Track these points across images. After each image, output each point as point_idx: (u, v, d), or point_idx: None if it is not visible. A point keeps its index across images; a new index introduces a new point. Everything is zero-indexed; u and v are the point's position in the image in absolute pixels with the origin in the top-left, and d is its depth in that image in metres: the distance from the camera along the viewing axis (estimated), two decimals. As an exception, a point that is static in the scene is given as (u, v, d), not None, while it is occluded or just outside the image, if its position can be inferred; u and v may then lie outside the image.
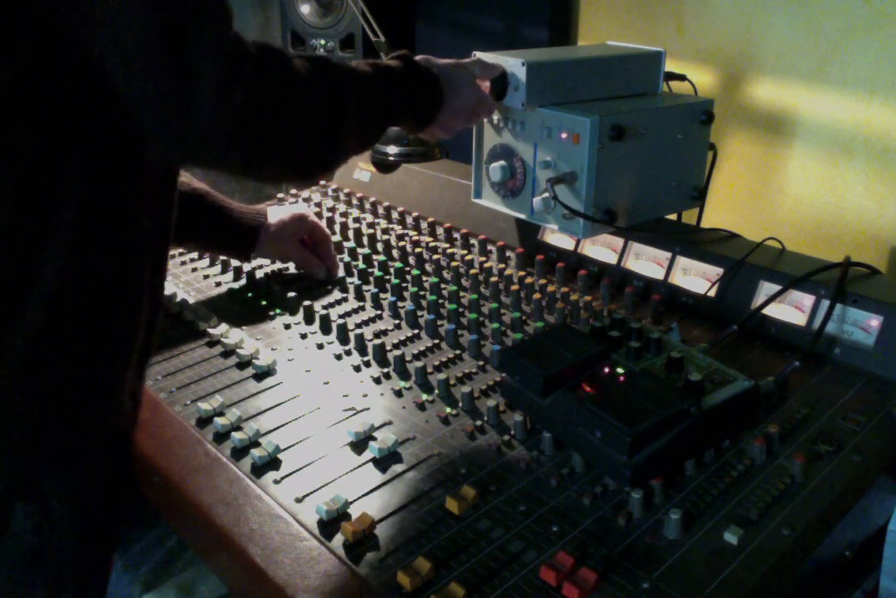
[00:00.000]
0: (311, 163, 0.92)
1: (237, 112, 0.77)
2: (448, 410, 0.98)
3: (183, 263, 1.42)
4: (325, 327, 1.18)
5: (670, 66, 1.39)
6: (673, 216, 1.39)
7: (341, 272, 1.35)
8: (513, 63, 1.18)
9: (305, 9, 1.95)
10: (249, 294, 1.30)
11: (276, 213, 1.32)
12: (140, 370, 0.95)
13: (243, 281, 1.35)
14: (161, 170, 0.89)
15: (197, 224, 1.25)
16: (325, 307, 1.24)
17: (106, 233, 0.83)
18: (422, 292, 1.27)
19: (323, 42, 1.95)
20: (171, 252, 1.41)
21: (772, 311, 1.12)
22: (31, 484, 0.86)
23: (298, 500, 0.84)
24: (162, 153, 0.83)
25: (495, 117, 1.28)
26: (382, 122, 1.02)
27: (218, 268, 1.39)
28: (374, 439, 0.92)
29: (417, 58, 1.10)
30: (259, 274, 1.36)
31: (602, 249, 1.32)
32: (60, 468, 0.87)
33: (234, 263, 1.37)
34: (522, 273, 1.32)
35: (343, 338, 1.15)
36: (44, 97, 0.76)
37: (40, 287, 0.79)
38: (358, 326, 1.19)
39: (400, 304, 1.23)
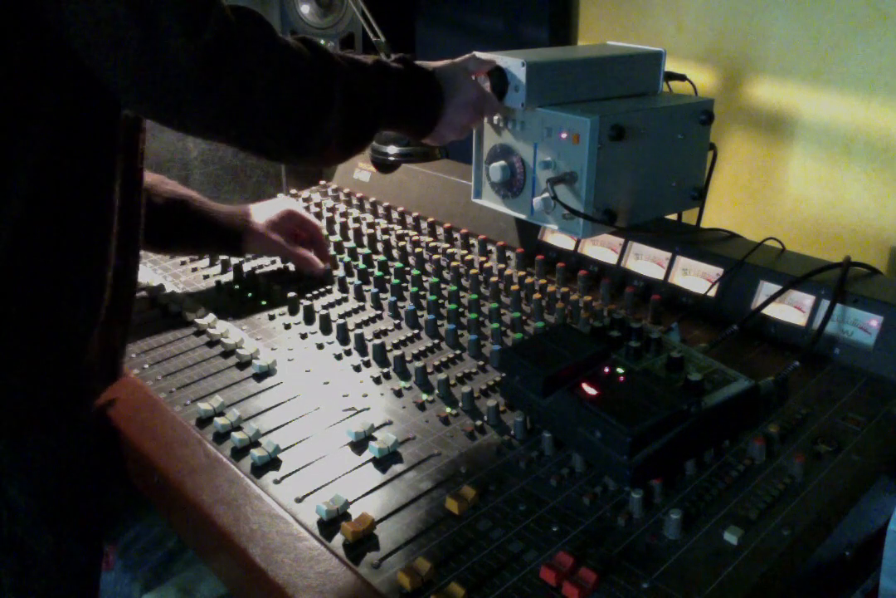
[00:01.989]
0: (289, 134, 0.88)
1: (206, 60, 0.76)
2: (448, 410, 0.98)
3: (182, 262, 1.42)
4: (325, 327, 1.18)
5: (670, 66, 1.39)
6: (673, 216, 1.39)
7: (341, 272, 1.35)
8: (513, 63, 1.18)
9: (305, 9, 1.95)
10: (249, 294, 1.30)
11: (262, 210, 1.32)
12: (109, 340, 0.94)
13: (243, 280, 1.35)
14: (130, 120, 0.89)
15: (182, 230, 1.26)
16: (325, 307, 1.24)
17: (68, 183, 0.83)
18: (422, 292, 1.27)
19: (323, 42, 1.95)
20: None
21: (772, 311, 1.12)
22: None
23: (298, 500, 0.84)
24: (136, 108, 0.82)
25: (495, 117, 1.28)
26: (376, 113, 0.99)
27: (217, 268, 1.39)
28: (374, 439, 0.92)
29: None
30: (259, 274, 1.36)
31: (602, 249, 1.32)
32: (14, 446, 0.87)
33: (234, 261, 1.38)
34: (522, 273, 1.32)
35: (343, 338, 1.15)
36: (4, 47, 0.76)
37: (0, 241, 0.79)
38: (358, 326, 1.19)
39: (400, 304, 1.23)
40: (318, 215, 1.56)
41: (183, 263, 1.42)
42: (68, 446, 0.94)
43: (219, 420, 0.95)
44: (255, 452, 0.90)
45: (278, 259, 1.41)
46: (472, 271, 1.28)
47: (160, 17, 0.74)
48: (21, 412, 0.86)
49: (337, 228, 1.52)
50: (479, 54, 1.20)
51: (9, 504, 0.87)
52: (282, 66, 0.84)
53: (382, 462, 0.90)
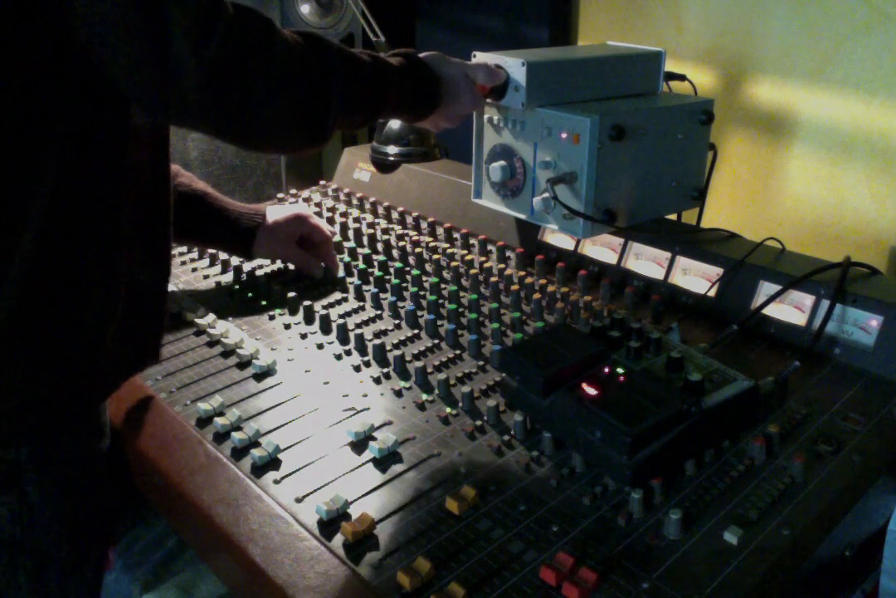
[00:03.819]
0: (293, 131, 0.90)
1: (212, 69, 0.77)
2: (448, 410, 0.98)
3: (183, 262, 1.42)
4: (325, 327, 1.18)
5: (670, 66, 1.39)
6: (673, 216, 1.39)
7: (341, 272, 1.35)
8: (513, 63, 1.18)
9: (305, 9, 1.95)
10: (249, 294, 1.30)
11: (274, 213, 1.33)
12: (128, 350, 0.94)
13: (243, 280, 1.35)
14: (147, 134, 0.90)
15: (196, 224, 1.26)
16: (325, 307, 1.24)
17: (83, 201, 0.84)
18: (422, 292, 1.27)
19: (323, 42, 1.95)
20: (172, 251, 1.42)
21: (772, 311, 1.12)
22: (8, 471, 0.86)
23: (298, 500, 0.84)
24: (145, 111, 0.83)
25: (495, 117, 1.28)
26: (371, 110, 1.00)
27: (218, 268, 1.39)
28: (374, 439, 0.92)
29: (426, 54, 1.09)
30: (259, 274, 1.36)
31: (602, 249, 1.32)
32: (37, 450, 0.87)
33: (234, 262, 1.38)
34: (522, 273, 1.32)
35: (343, 338, 1.15)
36: (17, 58, 0.76)
37: (18, 258, 0.79)
38: (358, 326, 1.19)
39: (400, 304, 1.23)
40: (318, 215, 1.56)
41: (183, 263, 1.42)
42: (87, 450, 0.94)
43: (219, 420, 0.95)
44: (255, 452, 0.90)
45: (277, 260, 1.41)
46: (472, 271, 1.28)
47: (173, 37, 0.74)
48: (42, 418, 0.86)
49: (337, 228, 1.52)
50: (488, 60, 1.19)
51: (31, 509, 0.88)
52: (283, 76, 0.84)
53: (382, 462, 0.90)
